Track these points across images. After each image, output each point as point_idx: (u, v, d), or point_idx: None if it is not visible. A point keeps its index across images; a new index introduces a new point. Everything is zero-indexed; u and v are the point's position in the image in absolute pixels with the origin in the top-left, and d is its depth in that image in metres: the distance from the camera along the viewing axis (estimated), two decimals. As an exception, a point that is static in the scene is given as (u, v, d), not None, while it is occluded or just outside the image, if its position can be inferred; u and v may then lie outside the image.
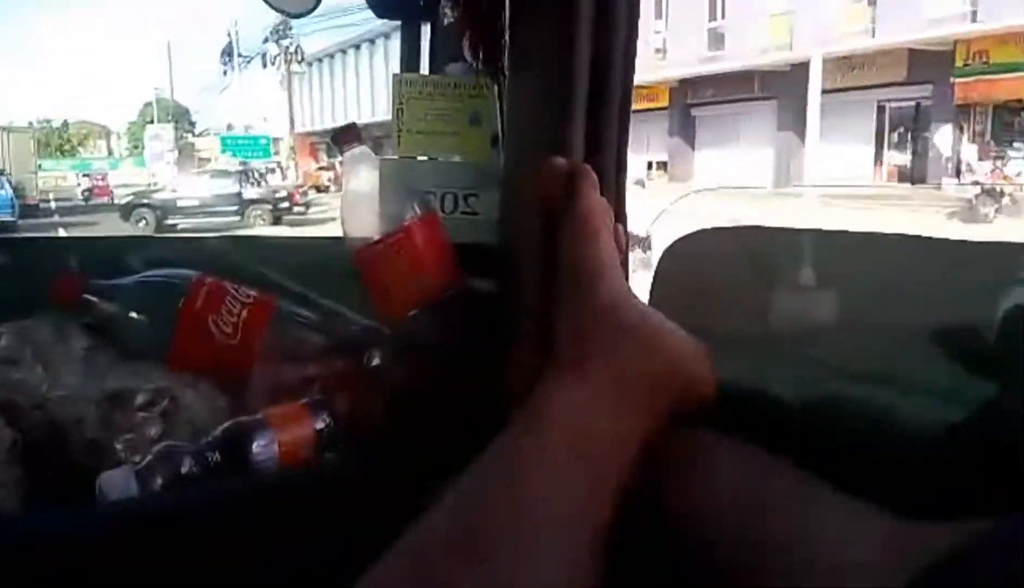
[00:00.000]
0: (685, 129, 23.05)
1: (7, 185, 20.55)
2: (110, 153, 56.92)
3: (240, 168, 22.18)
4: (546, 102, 0.79)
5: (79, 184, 38.23)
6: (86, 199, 29.15)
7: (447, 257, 0.91)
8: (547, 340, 0.54)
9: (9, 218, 18.94)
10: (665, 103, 22.89)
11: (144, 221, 18.97)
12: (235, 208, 18.87)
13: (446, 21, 1.22)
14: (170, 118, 49.63)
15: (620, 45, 0.76)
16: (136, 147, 52.53)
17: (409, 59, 1.25)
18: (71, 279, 0.80)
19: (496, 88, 0.97)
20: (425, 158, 1.01)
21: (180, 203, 19.41)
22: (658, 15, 22.40)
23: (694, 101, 22.68)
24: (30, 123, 48.52)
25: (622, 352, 0.51)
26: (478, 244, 0.93)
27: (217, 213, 18.80)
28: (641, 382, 0.49)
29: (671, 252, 0.83)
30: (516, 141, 0.88)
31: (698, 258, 0.83)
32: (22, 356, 0.73)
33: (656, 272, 0.80)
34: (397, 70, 1.15)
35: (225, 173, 21.63)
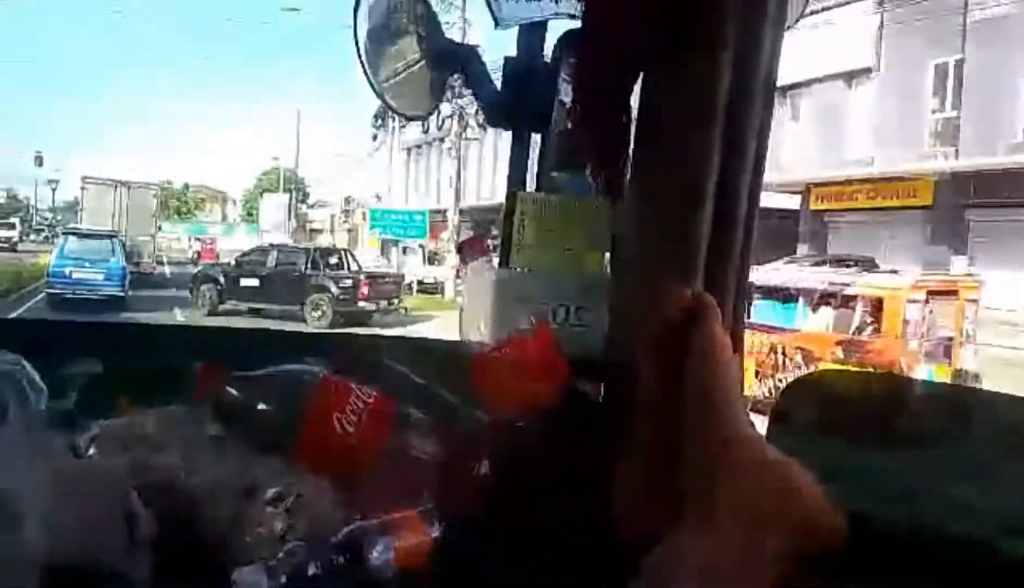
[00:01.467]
0: (953, 237, 16.79)
1: (119, 251, 18.66)
2: (224, 218, 59.20)
3: (307, 245, 21.28)
4: (666, 224, 0.81)
5: (191, 247, 39.72)
6: (194, 261, 29.24)
7: (559, 367, 0.92)
8: (659, 459, 0.53)
9: (118, 292, 17.43)
10: (926, 201, 17.03)
11: (206, 298, 17.99)
12: (296, 294, 17.29)
13: (557, 130, 1.27)
14: (286, 188, 50.43)
15: (747, 173, 0.77)
16: (250, 214, 54.69)
17: (518, 167, 1.29)
18: (212, 369, 0.85)
19: (611, 208, 0.99)
20: (540, 271, 1.04)
21: (242, 282, 18.13)
22: (936, 91, 17.30)
23: (974, 201, 16.42)
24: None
25: (754, 490, 0.50)
26: (588, 356, 0.94)
27: (274, 298, 17.32)
28: (773, 523, 0.48)
29: (789, 391, 0.82)
30: (630, 261, 0.90)
31: (818, 398, 0.82)
32: (166, 441, 0.77)
33: (774, 411, 0.79)
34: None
35: (294, 251, 20.29)
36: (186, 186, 60.56)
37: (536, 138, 1.29)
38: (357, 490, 0.82)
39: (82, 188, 26.12)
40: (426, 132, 27.73)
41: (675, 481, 0.53)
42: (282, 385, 0.86)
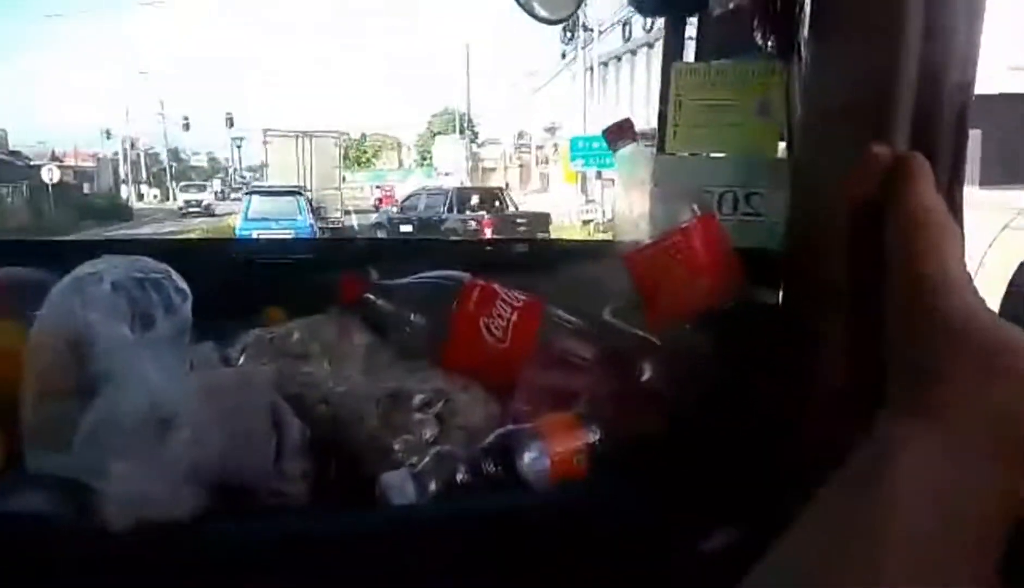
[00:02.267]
0: None
1: (306, 208, 17.40)
2: (400, 164, 58.65)
3: (450, 187, 19.98)
4: (858, 89, 0.66)
5: (372, 195, 41.33)
6: (376, 208, 28.67)
7: (727, 263, 0.81)
8: (862, 367, 0.43)
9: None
10: None
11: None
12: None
13: (717, 11, 1.12)
14: (456, 129, 50.02)
15: (962, 22, 0.61)
16: (424, 158, 54.38)
17: (673, 56, 1.16)
18: (356, 279, 0.82)
19: (788, 74, 0.85)
20: (703, 154, 0.92)
21: (400, 228, 17.64)
22: None
23: None
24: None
25: (995, 385, 0.38)
26: (762, 249, 0.82)
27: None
28: (1020, 420, 0.36)
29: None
30: (815, 134, 0.76)
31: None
32: (311, 351, 0.75)
33: (1009, 290, 0.64)
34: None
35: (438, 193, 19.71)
36: (363, 136, 60.24)
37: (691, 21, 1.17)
38: (509, 395, 0.76)
39: (265, 142, 24.49)
40: (628, 39, 23.44)
41: (884, 375, 0.42)
42: (427, 291, 0.81)
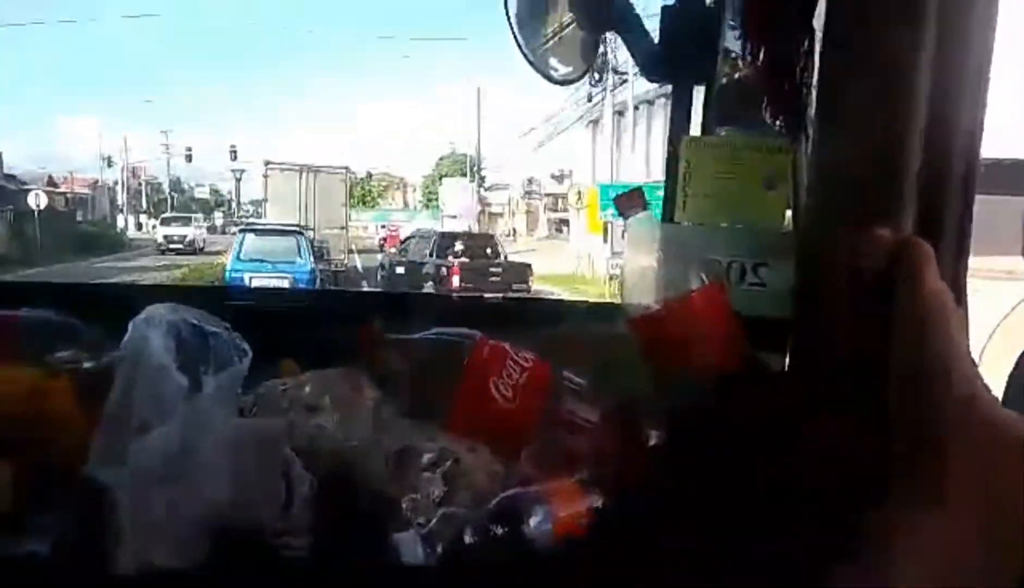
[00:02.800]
0: None
1: (307, 250, 15.31)
2: (406, 205, 57.39)
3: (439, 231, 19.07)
4: (864, 164, 0.69)
5: (377, 234, 38.77)
6: (380, 247, 28.34)
7: (733, 330, 0.82)
8: (866, 428, 0.44)
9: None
10: None
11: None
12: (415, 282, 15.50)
13: (724, 81, 1.15)
14: (467, 171, 47.97)
15: (968, 99, 0.64)
16: (431, 200, 52.44)
17: (679, 123, 1.19)
18: (371, 331, 0.83)
19: (796, 148, 0.88)
20: (711, 224, 0.94)
21: (396, 269, 17.03)
22: None
23: None
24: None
25: (995, 461, 0.39)
26: (768, 318, 0.84)
27: (404, 285, 15.83)
28: (1020, 502, 0.38)
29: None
30: (822, 206, 0.78)
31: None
32: (322, 404, 0.76)
33: (1013, 373, 0.65)
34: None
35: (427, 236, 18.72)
36: (369, 175, 58.53)
37: (698, 89, 1.20)
38: (515, 456, 0.77)
39: (265, 176, 21.82)
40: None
41: (887, 451, 0.43)
42: (438, 348, 0.82)
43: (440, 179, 51.34)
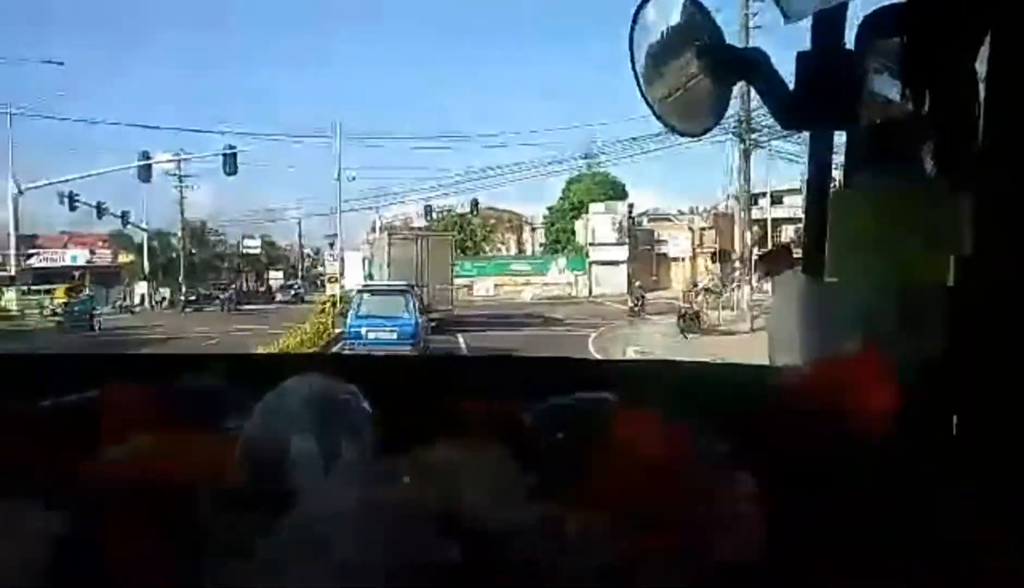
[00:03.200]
0: None
1: (412, 306, 17.63)
2: (519, 248, 44.76)
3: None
4: None
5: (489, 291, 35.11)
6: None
7: (890, 394, 0.77)
8: None
9: (409, 351, 15.62)
10: None
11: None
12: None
13: (869, 127, 1.10)
14: (608, 195, 39.04)
15: None
16: (558, 241, 41.45)
17: (819, 171, 1.14)
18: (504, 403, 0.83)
19: (957, 199, 0.82)
20: (863, 282, 0.88)
21: None
22: None
23: None
24: (429, 212, 40.25)
25: None
26: (929, 382, 0.78)
27: None
28: None
29: None
30: (986, 262, 0.72)
31: None
32: (467, 473, 0.76)
33: None
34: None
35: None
36: (475, 205, 41.58)
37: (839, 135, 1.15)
38: (656, 525, 0.74)
39: (389, 244, 25.45)
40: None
41: None
42: (577, 415, 0.81)
43: (576, 208, 40.59)
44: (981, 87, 0.80)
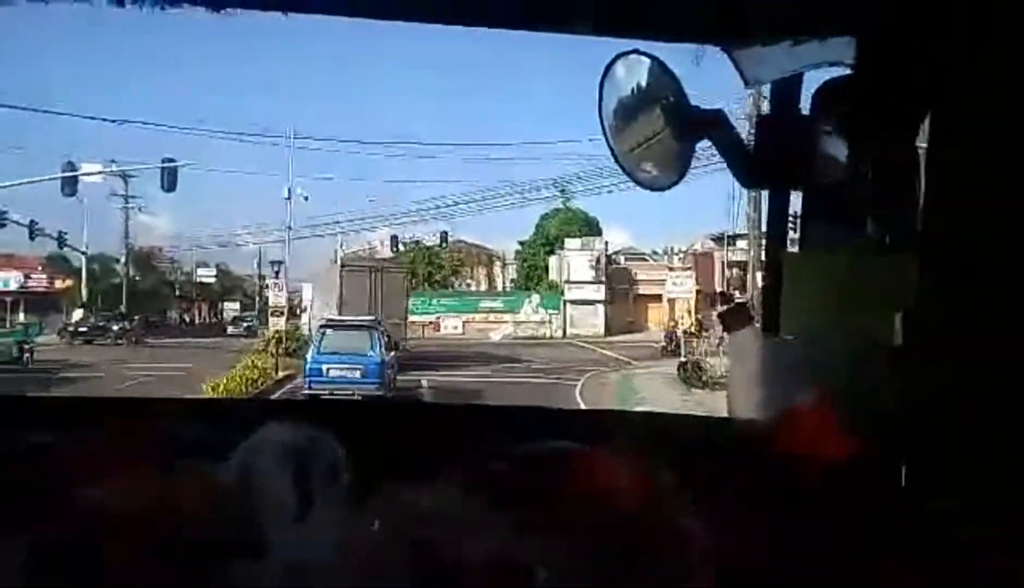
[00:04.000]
0: None
1: (378, 343, 16.70)
2: (490, 284, 42.57)
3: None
4: (986, 277, 0.70)
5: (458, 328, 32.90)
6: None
7: (837, 446, 0.82)
8: None
9: (375, 390, 15.26)
10: None
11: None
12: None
13: (824, 189, 1.17)
14: (583, 231, 37.97)
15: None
16: (530, 278, 39.83)
17: (777, 230, 1.21)
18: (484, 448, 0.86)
19: (909, 260, 0.89)
20: (817, 338, 0.94)
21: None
22: None
23: None
24: (396, 243, 37.76)
25: None
26: (881, 437, 0.83)
27: None
28: None
29: None
30: (940, 322, 0.78)
31: None
32: (439, 516, 0.79)
33: None
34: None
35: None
36: (444, 238, 39.94)
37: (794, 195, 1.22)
38: (626, 569, 0.78)
39: (341, 276, 24.26)
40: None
41: None
42: (547, 461, 0.85)
43: (550, 243, 38.80)
44: (923, 153, 0.87)
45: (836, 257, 0.97)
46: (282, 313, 24.34)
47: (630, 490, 0.81)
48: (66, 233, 37.34)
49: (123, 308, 39.44)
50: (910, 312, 0.91)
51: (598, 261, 36.89)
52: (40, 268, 41.58)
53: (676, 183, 1.42)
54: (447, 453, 0.86)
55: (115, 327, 35.15)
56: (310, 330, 22.14)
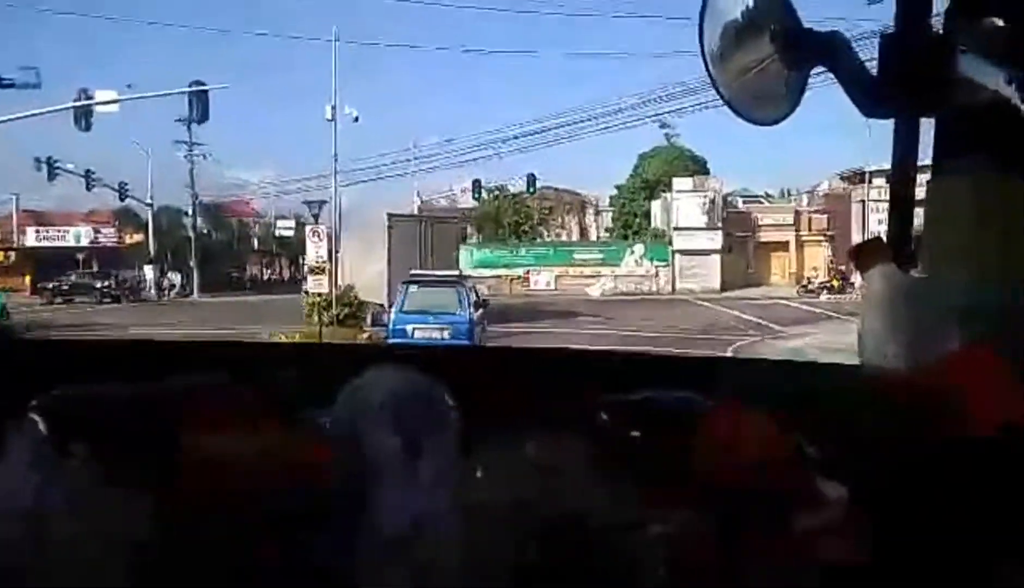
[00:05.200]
0: None
1: (466, 300, 15.78)
2: (582, 233, 38.54)
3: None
4: None
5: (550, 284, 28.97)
6: None
7: (1007, 396, 0.75)
8: None
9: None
10: None
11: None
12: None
13: (959, 114, 1.09)
14: (689, 173, 33.67)
15: None
16: (628, 226, 35.74)
17: (905, 160, 1.12)
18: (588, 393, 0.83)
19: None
20: (962, 275, 0.88)
21: None
22: None
23: None
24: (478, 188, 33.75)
25: None
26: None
27: None
28: None
29: None
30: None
31: None
32: (549, 470, 0.77)
33: None
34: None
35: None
36: (532, 181, 34.40)
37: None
38: (747, 531, 0.74)
39: (389, 226, 21.51)
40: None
41: None
42: (664, 412, 0.81)
43: (651, 186, 34.37)
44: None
45: (978, 187, 0.90)
46: (322, 270, 20.10)
47: (757, 446, 0.78)
48: (127, 184, 36.84)
49: (192, 263, 38.69)
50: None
51: (712, 203, 32.22)
52: (110, 222, 41.62)
53: (787, 116, 1.35)
54: (554, 401, 0.84)
55: (98, 285, 33.77)
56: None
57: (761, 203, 36.37)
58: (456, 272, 18.53)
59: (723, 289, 30.58)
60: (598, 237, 37.40)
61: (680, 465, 0.77)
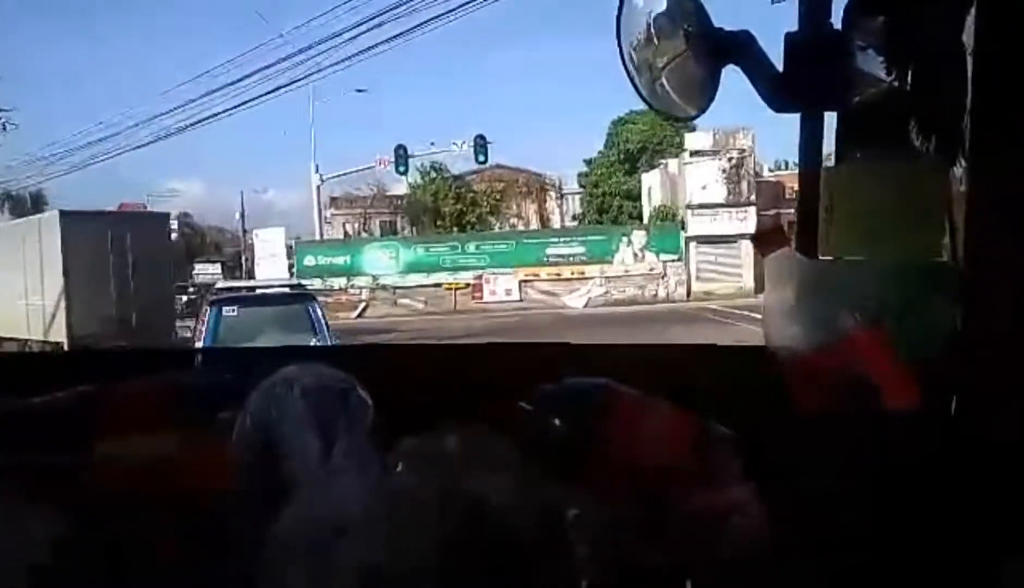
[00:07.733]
0: None
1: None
2: (543, 223, 28.97)
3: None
4: None
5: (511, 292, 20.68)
6: None
7: (897, 376, 0.78)
8: None
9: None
10: None
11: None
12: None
13: (859, 107, 1.12)
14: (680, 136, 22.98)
15: None
16: (604, 210, 26.93)
17: (810, 153, 1.16)
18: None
19: (950, 175, 0.84)
20: (859, 261, 0.90)
21: None
22: None
23: None
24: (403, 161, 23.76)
25: None
26: (935, 364, 0.79)
27: None
28: None
29: None
30: (986, 237, 0.74)
31: None
32: (468, 460, 0.77)
33: None
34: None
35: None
36: (481, 149, 24.89)
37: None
38: (658, 512, 0.75)
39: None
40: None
41: None
42: (574, 398, 0.82)
43: (631, 158, 26.04)
44: (969, 60, 0.82)
45: (876, 174, 0.93)
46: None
47: (666, 429, 0.79)
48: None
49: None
50: (955, 227, 0.86)
51: (739, 167, 21.71)
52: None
53: (702, 113, 1.37)
54: (475, 393, 0.84)
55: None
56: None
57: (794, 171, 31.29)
58: (295, 280, 13.96)
59: (758, 290, 21.33)
60: (562, 227, 28.56)
61: (598, 449, 0.77)
